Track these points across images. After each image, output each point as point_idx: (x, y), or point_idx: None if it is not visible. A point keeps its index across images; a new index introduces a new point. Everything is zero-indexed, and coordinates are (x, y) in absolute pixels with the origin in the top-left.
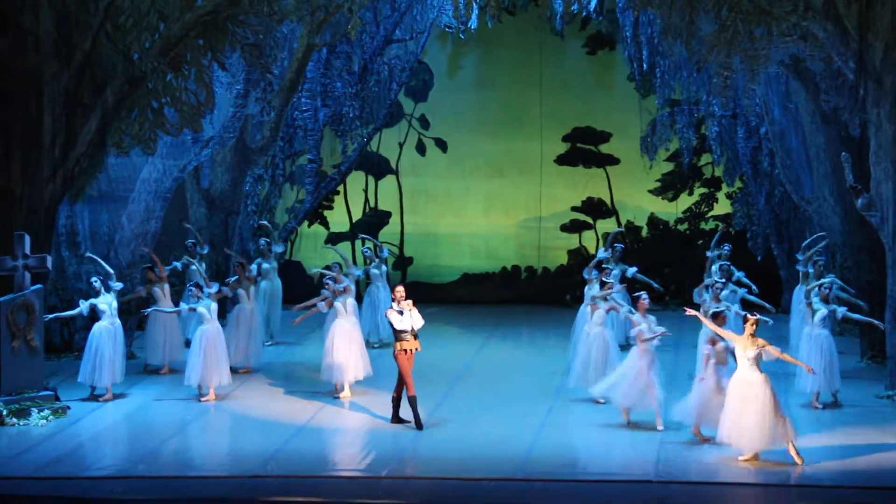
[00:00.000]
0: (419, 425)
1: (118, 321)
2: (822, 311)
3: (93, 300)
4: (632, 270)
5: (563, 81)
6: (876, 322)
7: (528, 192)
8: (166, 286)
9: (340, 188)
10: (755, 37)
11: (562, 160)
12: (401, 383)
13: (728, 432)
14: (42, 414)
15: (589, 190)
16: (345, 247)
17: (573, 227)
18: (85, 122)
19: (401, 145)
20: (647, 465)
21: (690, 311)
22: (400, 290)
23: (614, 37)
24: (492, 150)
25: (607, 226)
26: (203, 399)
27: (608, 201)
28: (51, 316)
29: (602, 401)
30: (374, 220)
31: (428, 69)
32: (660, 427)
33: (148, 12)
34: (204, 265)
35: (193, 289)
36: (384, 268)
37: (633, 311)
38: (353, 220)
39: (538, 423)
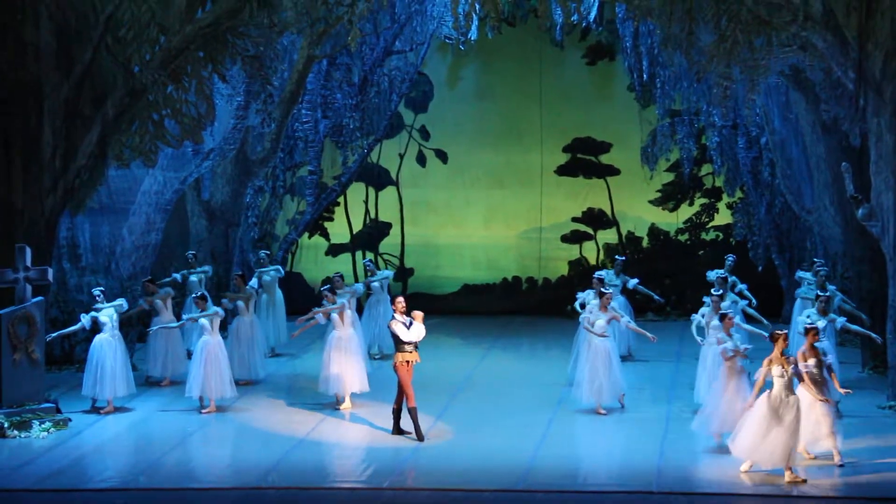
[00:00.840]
0: (420, 437)
1: (119, 333)
2: (821, 322)
3: (94, 312)
4: (633, 282)
5: (563, 92)
6: (874, 336)
7: (529, 202)
8: (168, 299)
9: (341, 199)
10: (755, 47)
11: (562, 171)
12: (401, 395)
13: (744, 445)
14: (43, 426)
15: (589, 200)
16: (345, 258)
17: (574, 237)
18: (85, 134)
19: (401, 156)
20: (648, 476)
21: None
22: (400, 301)
23: (614, 47)
24: (492, 160)
25: (608, 236)
26: (204, 411)
27: (608, 212)
28: (54, 334)
29: (604, 412)
30: (374, 232)
31: (428, 80)
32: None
33: (148, 25)
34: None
35: (198, 300)
36: (385, 281)
37: (631, 320)
38: (354, 232)
39: (539, 434)
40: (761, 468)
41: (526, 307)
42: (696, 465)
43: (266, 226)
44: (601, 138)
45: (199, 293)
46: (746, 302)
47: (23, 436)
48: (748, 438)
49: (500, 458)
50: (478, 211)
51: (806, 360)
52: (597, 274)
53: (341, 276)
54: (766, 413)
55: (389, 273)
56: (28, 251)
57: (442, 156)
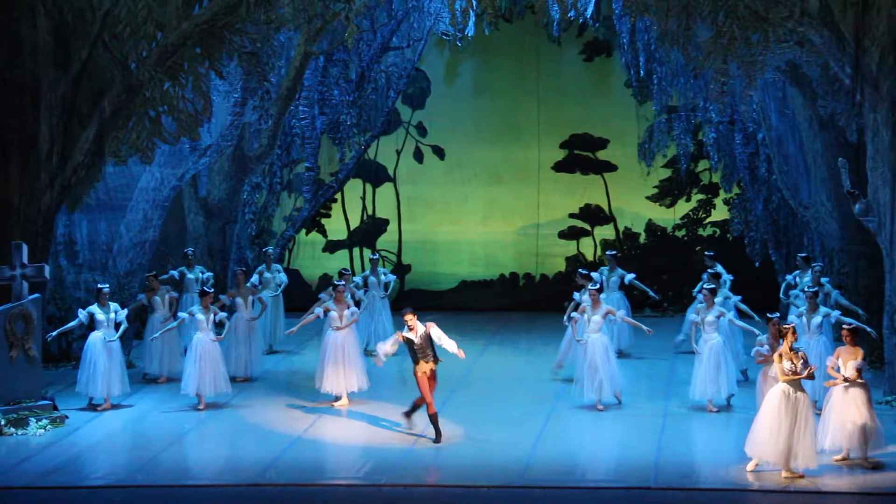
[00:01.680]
0: (438, 438)
1: (114, 334)
2: (817, 318)
3: (91, 308)
4: (629, 276)
5: (561, 88)
6: (869, 330)
7: (526, 199)
8: (167, 296)
9: (338, 196)
10: (752, 43)
11: (559, 167)
12: (422, 400)
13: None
14: (40, 423)
15: (587, 197)
16: (342, 255)
17: (571, 233)
18: (82, 131)
19: (398, 153)
20: (646, 472)
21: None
22: (409, 317)
23: (611, 43)
24: (489, 157)
25: (605, 232)
26: (200, 408)
27: (606, 208)
28: (54, 333)
29: (602, 407)
30: (371, 228)
31: (425, 76)
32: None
33: (145, 21)
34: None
35: (207, 296)
36: (384, 278)
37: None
38: (351, 228)
39: (537, 430)
40: (767, 467)
41: (523, 303)
42: (694, 460)
43: (263, 222)
44: (598, 134)
45: (202, 290)
46: (740, 297)
47: (20, 433)
48: (759, 435)
49: (499, 454)
50: (475, 207)
51: (781, 362)
52: (581, 270)
53: (350, 274)
54: (776, 410)
55: (393, 278)
56: (25, 248)
57: (439, 152)
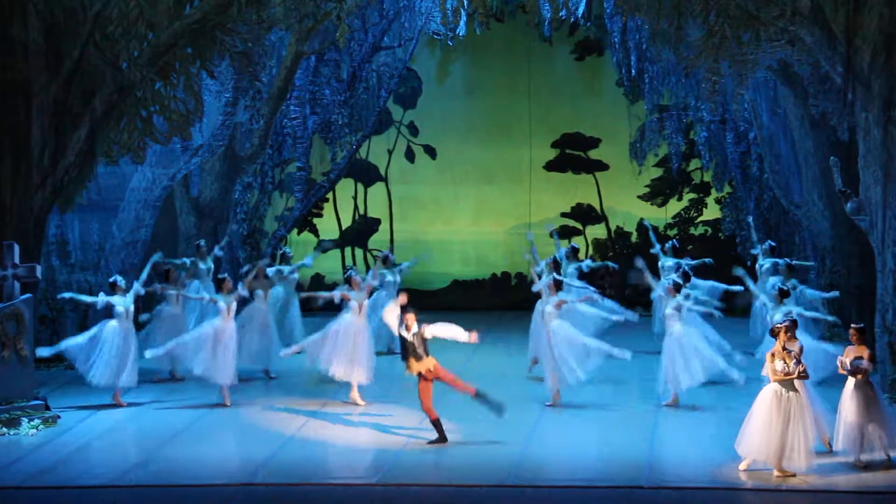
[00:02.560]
0: (443, 440)
1: (131, 325)
2: (777, 315)
3: (111, 298)
4: (586, 263)
5: (552, 87)
6: (830, 318)
7: (518, 198)
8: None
9: (330, 196)
10: (743, 42)
11: (551, 166)
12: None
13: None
14: (32, 423)
15: (578, 196)
16: (334, 255)
17: (563, 233)
18: (74, 131)
19: (390, 152)
20: (637, 470)
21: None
22: (409, 317)
23: (602, 42)
24: (481, 156)
25: (597, 232)
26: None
27: (598, 207)
28: (67, 295)
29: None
30: (363, 228)
31: (416, 76)
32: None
33: (136, 21)
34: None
35: (224, 284)
36: (398, 277)
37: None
38: (343, 228)
39: (529, 429)
40: (759, 466)
41: (515, 303)
42: (686, 459)
43: (255, 222)
44: (590, 134)
45: (222, 276)
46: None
47: (11, 433)
48: (751, 435)
49: (490, 453)
50: (467, 207)
51: (773, 361)
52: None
53: (355, 272)
54: (767, 409)
55: (398, 279)
56: (16, 248)
57: (431, 152)
